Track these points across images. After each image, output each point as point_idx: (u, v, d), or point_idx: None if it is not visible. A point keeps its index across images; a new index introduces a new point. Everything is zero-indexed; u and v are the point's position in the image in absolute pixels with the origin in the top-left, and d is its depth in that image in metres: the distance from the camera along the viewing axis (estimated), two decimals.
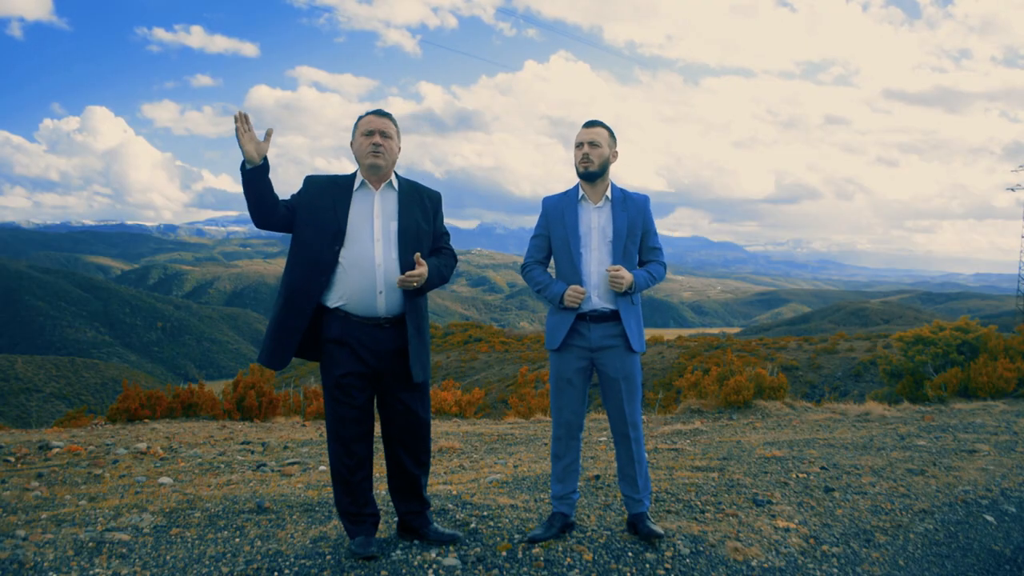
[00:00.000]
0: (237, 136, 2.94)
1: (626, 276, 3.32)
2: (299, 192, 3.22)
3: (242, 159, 2.99)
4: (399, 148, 3.27)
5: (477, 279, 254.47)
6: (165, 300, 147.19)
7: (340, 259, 3.09)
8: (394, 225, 3.18)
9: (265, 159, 3.00)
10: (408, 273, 3.07)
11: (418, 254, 3.12)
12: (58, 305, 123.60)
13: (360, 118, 3.24)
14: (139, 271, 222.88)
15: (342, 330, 3.09)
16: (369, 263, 3.09)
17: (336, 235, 3.09)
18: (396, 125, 3.24)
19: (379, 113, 3.22)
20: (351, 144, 3.25)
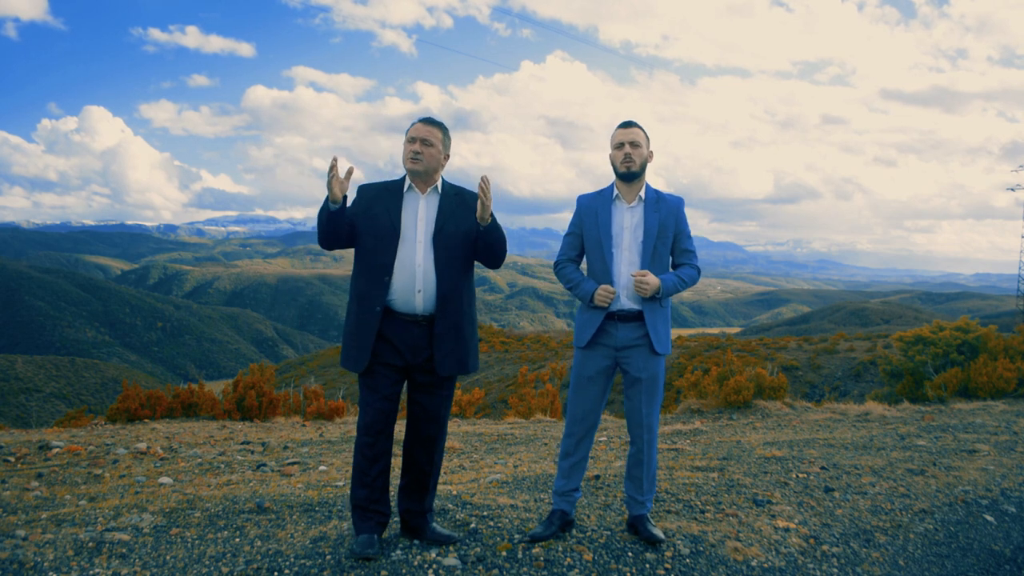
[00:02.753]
0: (329, 179, 3.13)
1: (651, 282, 3.32)
2: (355, 202, 3.38)
3: (325, 198, 3.17)
4: (446, 156, 3.38)
5: (477, 279, 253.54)
6: (165, 300, 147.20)
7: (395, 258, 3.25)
8: (433, 227, 3.32)
9: (345, 196, 3.21)
10: (483, 187, 3.15)
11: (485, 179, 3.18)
12: (58, 305, 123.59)
13: (412, 125, 3.37)
14: (139, 271, 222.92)
15: (384, 325, 3.24)
16: (411, 264, 3.24)
17: (393, 237, 3.25)
18: (444, 132, 3.36)
19: (427, 121, 3.35)
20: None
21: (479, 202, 3.20)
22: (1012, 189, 63.14)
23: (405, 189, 3.35)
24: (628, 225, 3.46)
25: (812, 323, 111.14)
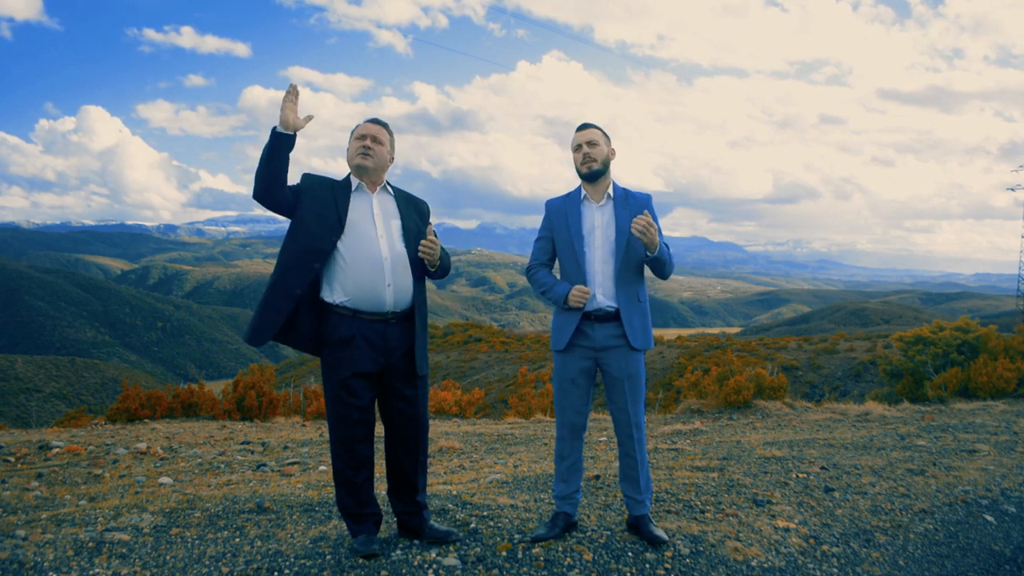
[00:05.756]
0: (284, 101, 3.00)
1: (652, 226, 3.22)
2: (298, 185, 3.25)
3: (276, 124, 3.01)
4: (392, 158, 3.36)
5: (477, 279, 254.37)
6: (165, 300, 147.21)
7: (342, 253, 3.15)
8: (396, 223, 3.28)
9: (295, 135, 3.05)
10: (429, 240, 3.19)
11: (431, 227, 3.24)
12: (58, 305, 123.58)
13: (357, 126, 3.34)
14: (139, 271, 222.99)
15: (350, 328, 3.13)
16: (376, 257, 3.16)
17: (336, 225, 3.16)
18: (391, 134, 3.35)
19: (374, 121, 3.33)
20: (347, 150, 3.35)
21: (422, 252, 3.20)
22: (1012, 189, 63.20)
23: (353, 188, 3.28)
24: (599, 224, 3.46)
25: (812, 323, 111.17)
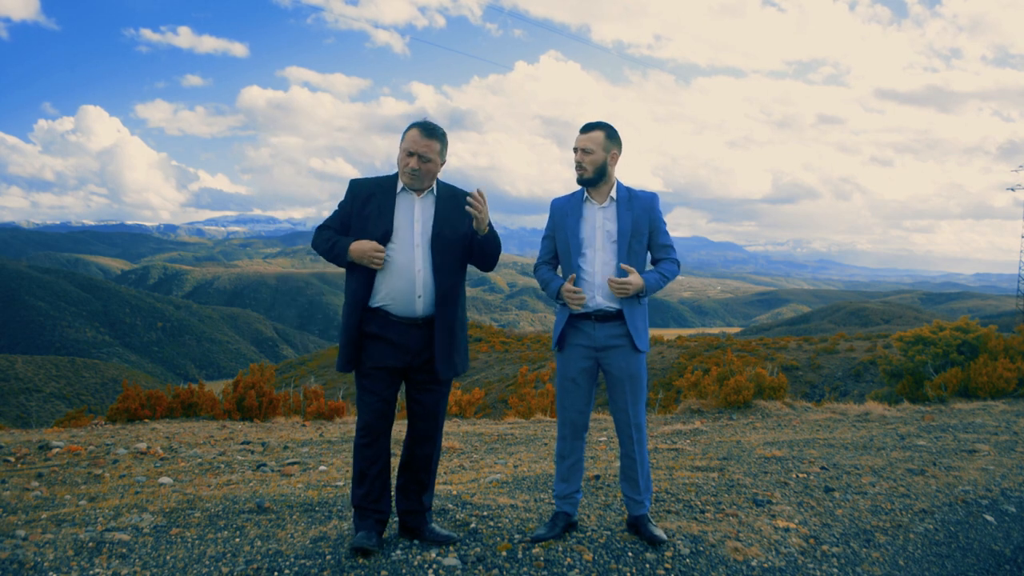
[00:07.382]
0: (370, 260, 3.16)
1: (633, 283, 3.30)
2: (345, 200, 3.34)
3: (347, 248, 3.20)
4: (443, 163, 3.33)
5: (477, 279, 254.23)
6: (165, 300, 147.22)
7: (387, 260, 3.21)
8: (432, 233, 3.29)
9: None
10: (476, 198, 3.17)
11: (478, 190, 3.21)
12: (58, 305, 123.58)
13: (409, 127, 3.27)
14: (139, 271, 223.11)
15: (380, 328, 3.22)
16: (410, 268, 3.22)
17: (384, 237, 3.22)
18: (443, 143, 3.28)
19: (426, 132, 3.22)
20: (398, 157, 3.33)
21: (473, 218, 3.21)
22: (1012, 189, 63.24)
23: (399, 190, 3.30)
24: (600, 225, 3.45)
25: (812, 323, 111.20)
